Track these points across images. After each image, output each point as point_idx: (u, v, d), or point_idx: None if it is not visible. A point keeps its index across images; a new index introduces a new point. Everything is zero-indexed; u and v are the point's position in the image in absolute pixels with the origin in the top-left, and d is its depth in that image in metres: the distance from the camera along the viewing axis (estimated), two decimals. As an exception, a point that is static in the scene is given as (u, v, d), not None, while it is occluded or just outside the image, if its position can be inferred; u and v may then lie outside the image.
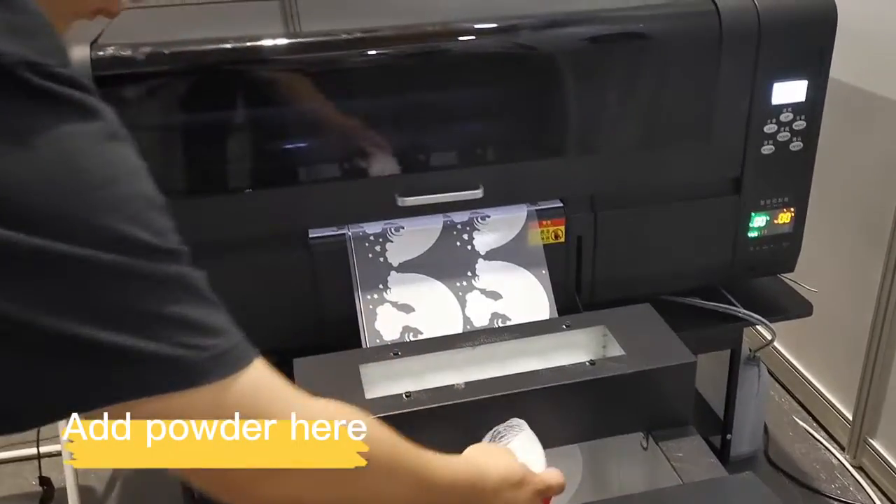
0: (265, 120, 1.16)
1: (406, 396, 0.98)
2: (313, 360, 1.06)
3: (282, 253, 1.21)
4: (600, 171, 1.28)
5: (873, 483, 1.70)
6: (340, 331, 1.21)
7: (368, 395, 0.99)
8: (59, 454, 1.73)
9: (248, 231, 1.18)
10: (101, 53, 1.05)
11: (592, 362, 1.04)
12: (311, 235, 1.20)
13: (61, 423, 0.52)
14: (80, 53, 1.04)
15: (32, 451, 1.90)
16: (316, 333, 1.24)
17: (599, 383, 1.01)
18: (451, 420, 0.98)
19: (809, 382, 1.91)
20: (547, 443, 1.01)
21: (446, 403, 0.97)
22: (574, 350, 1.12)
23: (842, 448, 1.79)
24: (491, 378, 1.02)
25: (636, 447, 1.06)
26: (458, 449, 0.82)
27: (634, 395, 1.04)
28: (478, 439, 0.94)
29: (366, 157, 1.20)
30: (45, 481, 1.71)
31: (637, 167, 1.29)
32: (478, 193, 1.22)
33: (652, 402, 1.05)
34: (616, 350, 1.08)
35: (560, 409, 1.02)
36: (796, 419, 1.91)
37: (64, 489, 1.69)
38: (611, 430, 1.06)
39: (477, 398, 0.98)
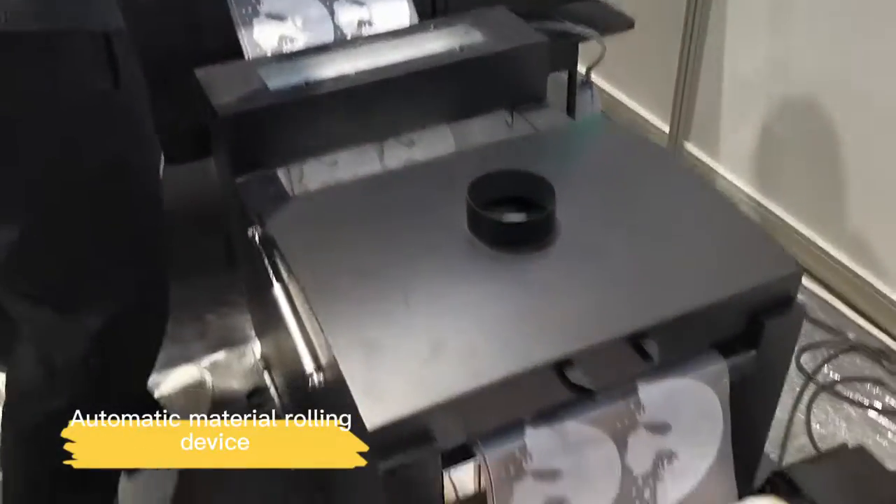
0: None
1: (306, 84, 1.10)
2: (214, 69, 1.14)
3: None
4: None
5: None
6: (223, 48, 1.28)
7: (272, 87, 1.10)
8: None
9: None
10: None
11: (462, 48, 1.19)
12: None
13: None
14: None
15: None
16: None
17: (470, 63, 1.17)
18: (347, 105, 1.11)
19: (628, 107, 2.17)
20: (424, 124, 1.16)
21: (342, 88, 1.10)
22: (443, 44, 1.26)
23: (659, 159, 2.09)
24: (379, 66, 1.15)
25: (501, 125, 1.23)
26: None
27: (499, 74, 1.20)
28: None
29: None
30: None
31: None
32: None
33: (513, 81, 1.22)
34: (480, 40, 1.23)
35: (435, 90, 1.17)
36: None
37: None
38: (479, 108, 1.22)
39: (368, 81, 1.11)
